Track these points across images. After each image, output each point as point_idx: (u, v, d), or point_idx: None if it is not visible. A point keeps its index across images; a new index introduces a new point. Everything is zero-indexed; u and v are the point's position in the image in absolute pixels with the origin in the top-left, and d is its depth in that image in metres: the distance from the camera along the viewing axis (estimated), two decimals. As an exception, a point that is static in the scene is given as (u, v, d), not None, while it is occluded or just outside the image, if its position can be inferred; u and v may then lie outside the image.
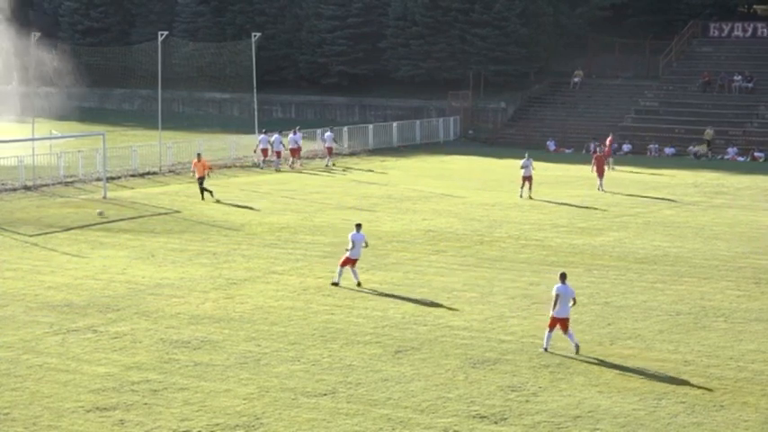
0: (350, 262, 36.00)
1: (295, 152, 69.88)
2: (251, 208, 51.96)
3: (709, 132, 76.28)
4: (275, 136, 69.16)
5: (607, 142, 67.40)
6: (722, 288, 36.33)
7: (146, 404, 24.94)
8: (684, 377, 26.92)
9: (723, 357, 28.70)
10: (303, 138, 71.50)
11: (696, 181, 63.80)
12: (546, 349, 28.67)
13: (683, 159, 74.52)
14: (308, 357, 28.49)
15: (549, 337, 28.80)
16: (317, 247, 42.76)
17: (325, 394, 25.71)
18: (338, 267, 36.29)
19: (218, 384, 26.33)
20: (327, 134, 73.12)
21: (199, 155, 56.68)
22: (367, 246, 36.97)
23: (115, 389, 25.89)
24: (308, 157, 72.38)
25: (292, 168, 68.49)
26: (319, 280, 37.12)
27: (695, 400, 25.43)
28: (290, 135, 70.31)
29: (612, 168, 63.94)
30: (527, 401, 25.30)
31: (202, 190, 55.01)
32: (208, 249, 42.27)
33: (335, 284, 35.90)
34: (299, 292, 35.55)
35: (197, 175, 55.41)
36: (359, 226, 36.72)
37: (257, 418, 24.09)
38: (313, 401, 25.22)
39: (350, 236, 36.22)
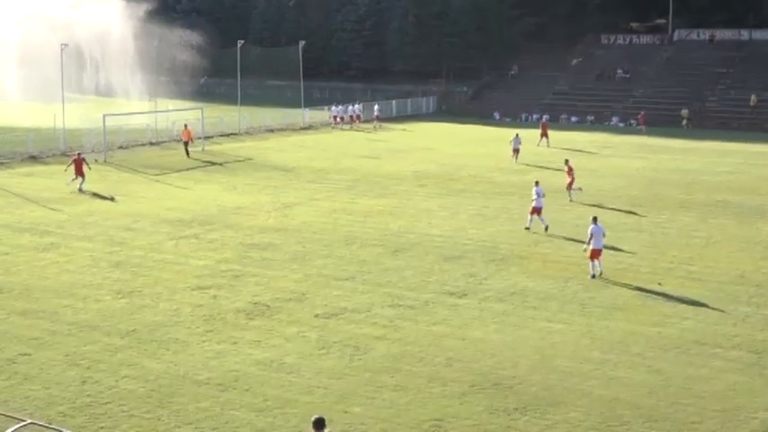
0: (536, 210, 31.82)
1: (355, 118, 70.67)
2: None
3: (684, 111, 71.64)
4: (341, 107, 71.15)
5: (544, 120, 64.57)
6: (607, 210, 36.28)
7: (230, 285, 25.09)
8: (583, 267, 26.94)
9: (607, 254, 28.64)
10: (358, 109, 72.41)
11: (590, 139, 63.34)
12: (593, 276, 25.65)
13: (582, 125, 73.91)
14: (336, 255, 28.56)
15: (593, 265, 25.81)
16: (342, 182, 42.63)
17: (347, 279, 25.83)
18: (528, 215, 32.34)
19: (278, 272, 26.45)
20: (376, 106, 73.46)
21: (185, 125, 53.07)
22: (544, 196, 32.60)
23: (210, 275, 26.05)
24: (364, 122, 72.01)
25: (351, 128, 68.87)
26: (344, 204, 37.06)
27: (590, 282, 25.57)
28: (351, 106, 71.62)
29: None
30: (480, 284, 25.41)
31: (186, 150, 51.32)
32: (270, 184, 42.17)
33: (527, 229, 31.85)
34: (330, 212, 35.51)
35: (183, 140, 51.84)
36: (537, 182, 33.03)
37: (303, 294, 24.25)
38: (339, 283, 25.34)
39: (533, 190, 32.35)
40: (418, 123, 73.81)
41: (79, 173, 40.34)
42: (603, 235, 25.97)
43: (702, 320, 22.26)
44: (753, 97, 72.96)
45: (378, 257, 28.17)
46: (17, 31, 67.81)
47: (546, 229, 31.58)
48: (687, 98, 75.40)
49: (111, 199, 37.99)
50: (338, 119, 70.14)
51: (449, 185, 41.76)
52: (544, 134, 58.37)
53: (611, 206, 36.92)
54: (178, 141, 54.61)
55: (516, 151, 49.85)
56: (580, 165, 48.98)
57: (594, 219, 26.26)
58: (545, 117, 66.86)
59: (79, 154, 41.97)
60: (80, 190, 39.60)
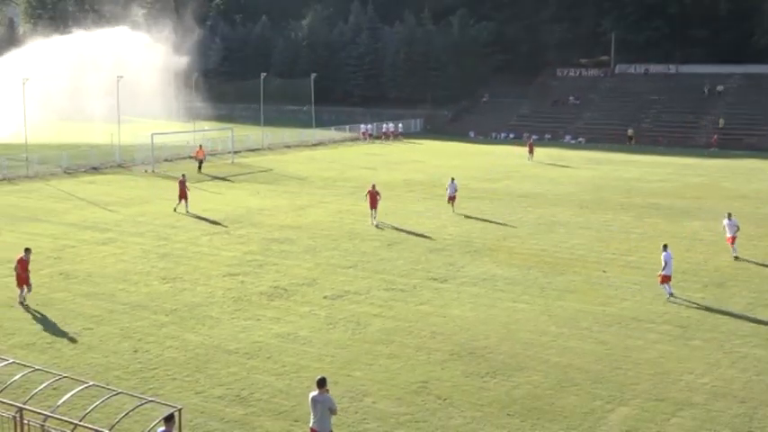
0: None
1: (390, 134, 72.82)
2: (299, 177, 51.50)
3: (630, 131, 70.77)
4: (370, 125, 73.12)
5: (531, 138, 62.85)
6: (562, 210, 36.23)
7: (255, 272, 25.02)
8: (542, 257, 26.98)
9: (563, 247, 28.75)
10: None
11: (548, 153, 63.10)
12: (672, 294, 22.23)
13: (542, 141, 73.47)
14: (341, 247, 28.50)
15: (667, 288, 22.36)
16: (346, 189, 42.47)
17: (350, 267, 25.76)
18: (730, 246, 26.84)
19: (294, 262, 26.38)
20: (400, 124, 76.00)
21: (200, 145, 51.52)
22: (739, 229, 27.13)
23: (238, 264, 25.97)
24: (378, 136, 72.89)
25: (382, 142, 70.05)
26: (349, 206, 36.92)
27: (548, 269, 25.53)
28: (386, 124, 74.08)
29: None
30: (458, 271, 25.37)
31: (199, 166, 48.68)
32: (287, 190, 42.05)
33: (736, 258, 26.44)
34: (336, 212, 35.44)
35: (199, 157, 49.47)
36: (729, 215, 27.46)
37: (314, 279, 24.18)
38: (344, 270, 25.28)
39: (724, 222, 27.50)
40: (408, 140, 73.68)
41: (183, 195, 34.76)
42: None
43: (639, 301, 22.26)
44: (721, 120, 70.25)
45: (375, 250, 28.11)
46: (83, 65, 67.29)
47: (735, 258, 26.70)
48: (626, 121, 75.36)
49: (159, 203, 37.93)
50: (367, 134, 71.82)
51: (432, 191, 41.66)
52: (531, 151, 57.53)
53: (565, 206, 36.91)
54: (212, 156, 54.38)
55: (452, 199, 35.52)
56: (540, 174, 49.14)
57: (665, 246, 22.83)
58: (533, 137, 65.08)
59: (183, 176, 36.34)
60: (175, 209, 34.88)
